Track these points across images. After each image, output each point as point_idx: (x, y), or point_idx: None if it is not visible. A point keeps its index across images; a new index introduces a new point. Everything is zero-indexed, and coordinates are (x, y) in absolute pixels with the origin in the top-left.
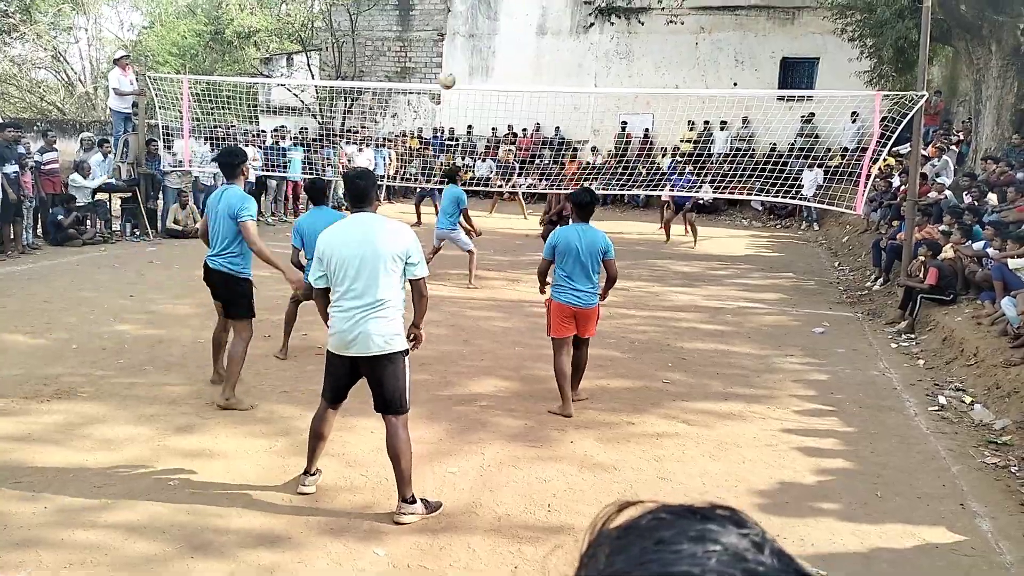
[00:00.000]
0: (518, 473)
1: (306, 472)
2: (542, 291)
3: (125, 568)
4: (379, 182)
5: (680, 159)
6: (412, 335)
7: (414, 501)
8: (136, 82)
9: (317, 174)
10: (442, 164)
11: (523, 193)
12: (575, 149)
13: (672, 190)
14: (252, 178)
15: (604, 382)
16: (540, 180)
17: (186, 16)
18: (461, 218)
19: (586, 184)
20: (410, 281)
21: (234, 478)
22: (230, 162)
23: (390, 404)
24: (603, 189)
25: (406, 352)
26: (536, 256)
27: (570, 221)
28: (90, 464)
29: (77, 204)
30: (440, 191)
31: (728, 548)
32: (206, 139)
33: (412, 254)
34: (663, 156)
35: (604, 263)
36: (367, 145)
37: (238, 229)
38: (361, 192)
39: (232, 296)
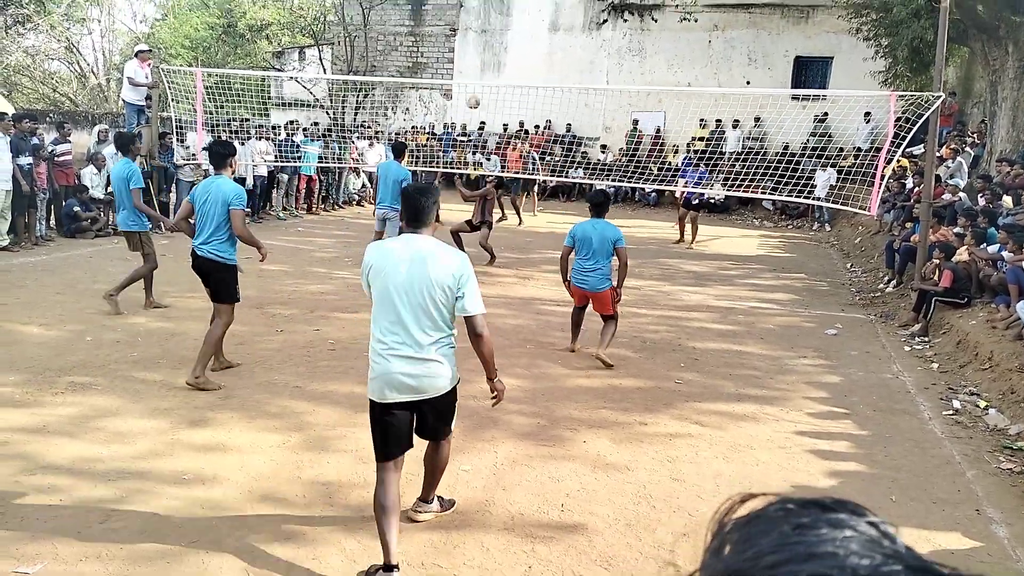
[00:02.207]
0: (531, 472)
1: (386, 568)
2: (564, 279)
3: (140, 562)
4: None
5: (694, 156)
6: (493, 392)
7: (432, 501)
8: (151, 76)
9: (327, 167)
10: (451, 160)
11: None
12: (515, 136)
13: (686, 184)
14: (263, 171)
15: (616, 381)
16: (551, 175)
17: (199, 9)
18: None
19: (596, 181)
20: (464, 319)
21: (248, 473)
22: (221, 152)
23: (439, 433)
24: (617, 181)
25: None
26: (546, 253)
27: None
28: (104, 457)
29: (91, 196)
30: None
31: (864, 534)
32: (218, 132)
33: (464, 285)
34: (675, 153)
35: (616, 251)
36: (378, 140)
37: (227, 216)
38: (420, 210)
39: (218, 279)
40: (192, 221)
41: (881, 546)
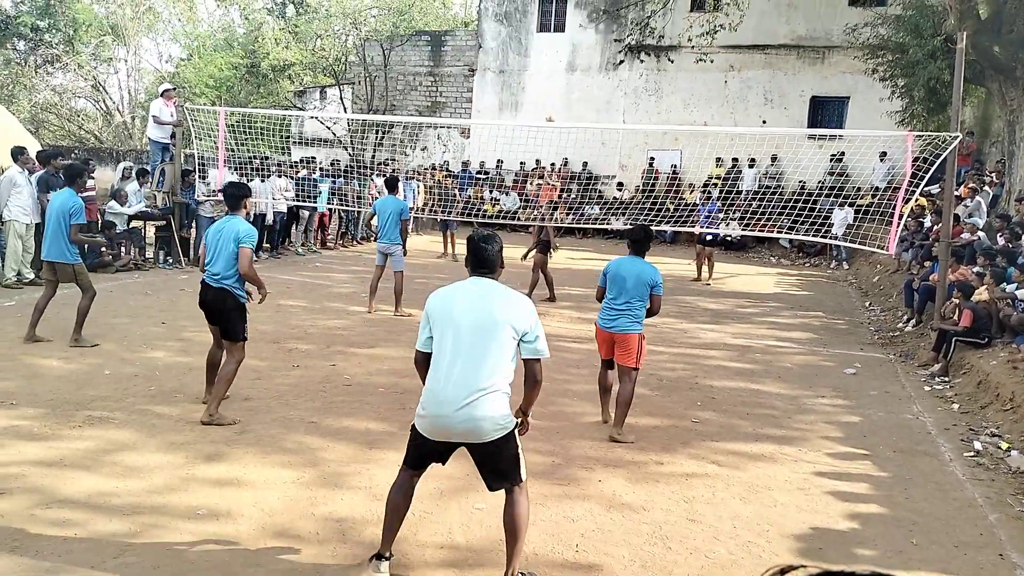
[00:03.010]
0: (545, 511)
1: (377, 556)
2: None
3: None
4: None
5: (717, 197)
6: (521, 421)
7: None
8: (176, 114)
9: (346, 204)
10: (469, 198)
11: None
12: (550, 174)
13: (703, 225)
14: (283, 208)
15: (633, 420)
16: (567, 215)
17: (223, 49)
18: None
19: (613, 218)
20: (524, 361)
21: (262, 509)
22: (236, 194)
23: (507, 475)
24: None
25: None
26: (563, 289)
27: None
28: (120, 491)
29: (115, 231)
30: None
31: None
32: (238, 169)
33: (532, 329)
34: (691, 192)
35: (651, 297)
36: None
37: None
38: (488, 260)
39: (228, 317)
40: (201, 254)
41: None
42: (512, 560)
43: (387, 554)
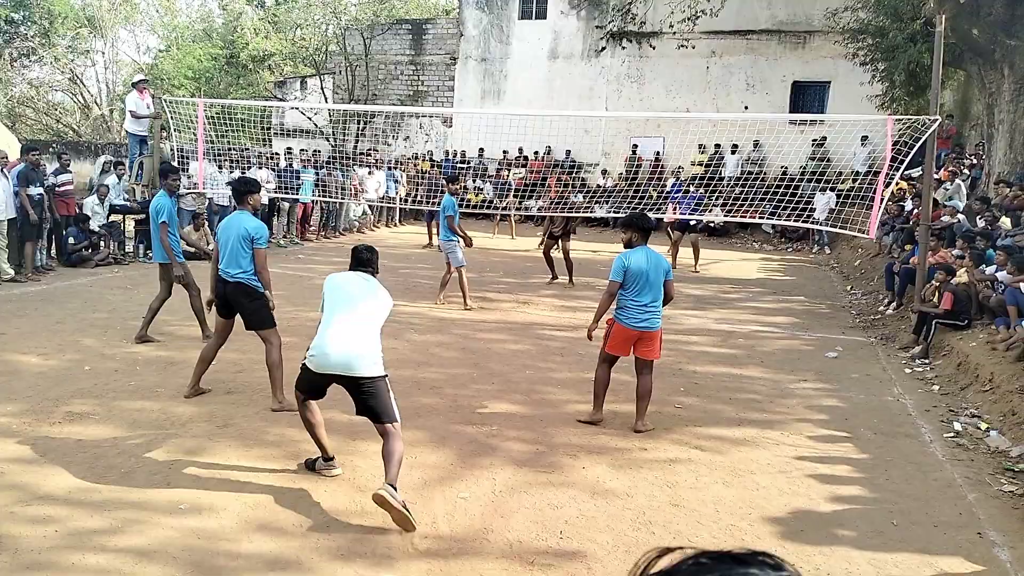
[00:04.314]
0: (529, 499)
1: (325, 458)
2: (597, 320)
3: None
4: (391, 204)
5: (685, 181)
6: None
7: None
8: (152, 105)
9: (329, 196)
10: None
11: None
12: (555, 165)
13: (676, 211)
14: (264, 200)
15: (616, 407)
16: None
17: (202, 40)
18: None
19: (596, 206)
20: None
21: (245, 502)
22: (243, 190)
23: (383, 416)
24: (613, 212)
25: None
26: (546, 277)
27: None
28: (101, 487)
29: (91, 228)
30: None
31: None
32: (219, 161)
33: (389, 311)
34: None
35: (665, 284)
36: (377, 168)
37: (252, 252)
38: (366, 261)
39: (253, 308)
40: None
41: None
42: (389, 473)
43: (331, 456)
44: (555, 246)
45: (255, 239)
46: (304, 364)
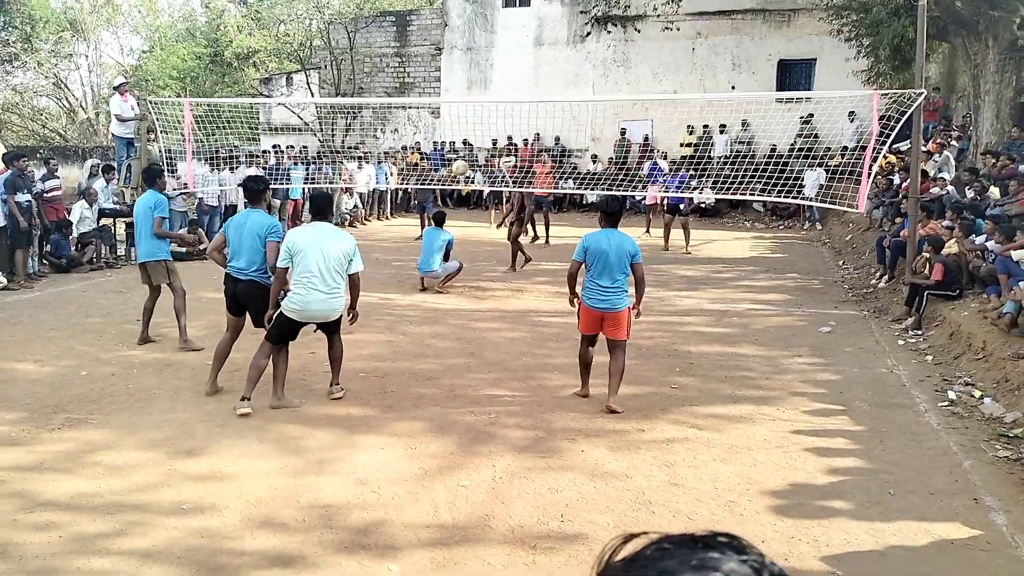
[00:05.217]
0: (530, 484)
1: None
2: (572, 296)
3: None
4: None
5: (673, 163)
6: (352, 315)
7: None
8: (137, 107)
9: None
10: (441, 178)
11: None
12: (542, 150)
13: (666, 190)
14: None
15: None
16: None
17: (185, 39)
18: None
19: (588, 192)
20: (349, 275)
21: (246, 500)
22: (255, 188)
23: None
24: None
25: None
26: (539, 264)
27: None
28: (102, 491)
29: (83, 231)
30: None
31: (728, 575)
32: (208, 161)
33: (353, 254)
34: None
35: (632, 267)
36: (367, 161)
37: (261, 248)
38: (323, 209)
39: (262, 307)
40: (225, 252)
41: None
42: (336, 374)
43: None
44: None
45: (270, 235)
46: (281, 313)
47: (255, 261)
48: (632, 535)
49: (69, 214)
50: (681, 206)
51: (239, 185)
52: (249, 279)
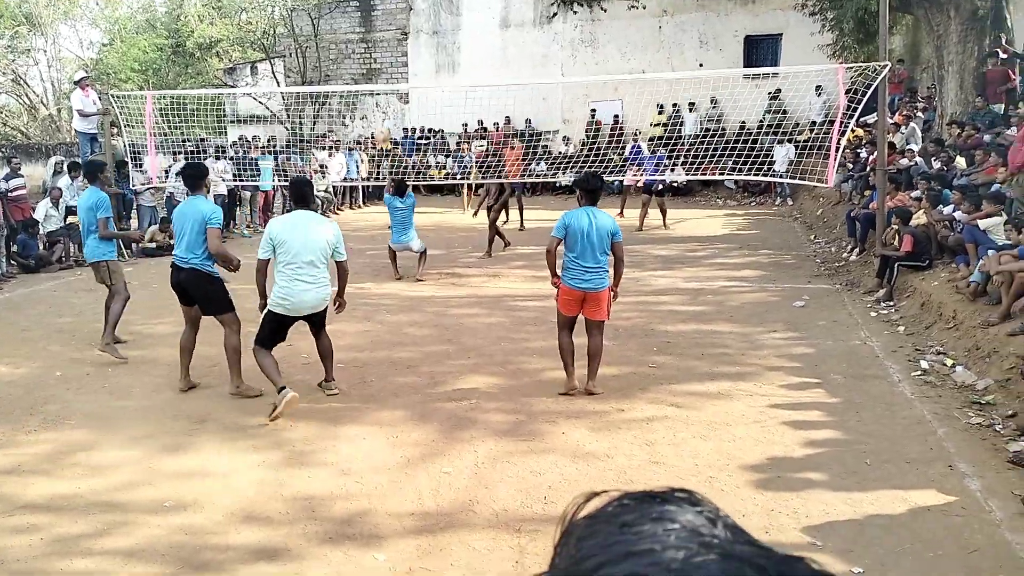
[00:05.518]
0: (512, 468)
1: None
2: (553, 275)
3: None
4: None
5: (650, 143)
6: (338, 302)
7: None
8: (99, 102)
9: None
10: (414, 164)
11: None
12: (512, 135)
13: (640, 173)
14: (223, 190)
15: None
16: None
17: (146, 31)
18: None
19: (560, 174)
20: (337, 263)
21: (229, 494)
22: (194, 174)
23: (323, 324)
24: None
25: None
26: (514, 249)
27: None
28: (83, 491)
29: (50, 230)
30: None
31: (685, 525)
32: (175, 154)
33: (338, 241)
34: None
35: (612, 245)
36: (337, 149)
37: (204, 234)
38: (304, 196)
39: (208, 295)
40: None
41: (700, 535)
42: (330, 371)
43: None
44: (500, 217)
45: (209, 220)
46: (270, 311)
47: (196, 250)
48: (594, 493)
49: (35, 213)
50: (655, 186)
51: (177, 173)
52: (191, 267)
